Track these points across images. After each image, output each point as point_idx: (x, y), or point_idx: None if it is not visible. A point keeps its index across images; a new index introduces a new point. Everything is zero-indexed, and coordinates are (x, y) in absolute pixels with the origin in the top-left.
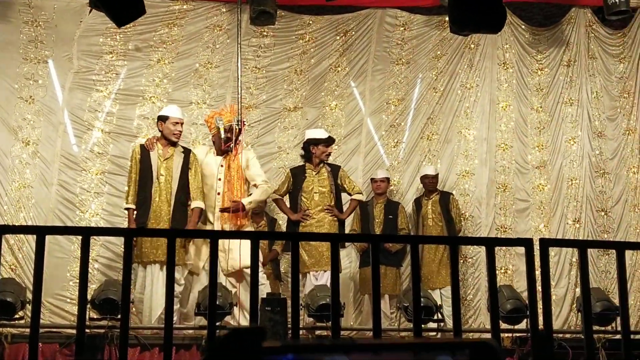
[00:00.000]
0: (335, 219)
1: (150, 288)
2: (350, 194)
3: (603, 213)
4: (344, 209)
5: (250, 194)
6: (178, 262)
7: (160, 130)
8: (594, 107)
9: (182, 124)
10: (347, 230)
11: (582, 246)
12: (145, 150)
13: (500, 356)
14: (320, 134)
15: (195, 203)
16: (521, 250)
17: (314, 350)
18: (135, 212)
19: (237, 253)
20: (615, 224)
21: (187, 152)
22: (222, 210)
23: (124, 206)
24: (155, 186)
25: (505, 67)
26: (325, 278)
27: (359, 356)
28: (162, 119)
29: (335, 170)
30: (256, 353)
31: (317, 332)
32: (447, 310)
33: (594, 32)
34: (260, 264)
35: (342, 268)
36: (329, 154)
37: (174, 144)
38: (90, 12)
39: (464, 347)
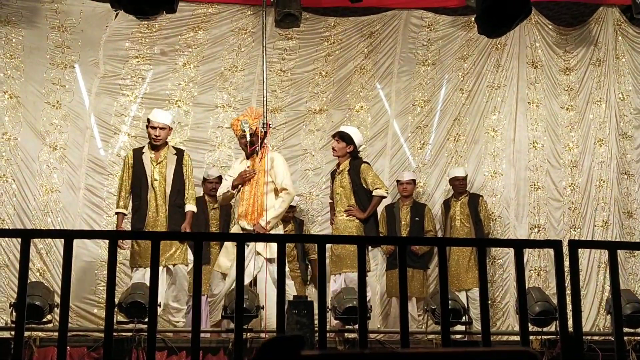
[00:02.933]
0: (353, 219)
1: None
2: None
3: (628, 215)
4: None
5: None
6: (183, 262)
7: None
8: (622, 107)
9: (161, 128)
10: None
11: (611, 247)
12: (138, 156)
13: None
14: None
15: (189, 206)
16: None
17: None
18: (125, 217)
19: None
20: None
21: (180, 153)
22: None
23: (114, 211)
24: (151, 192)
25: (534, 66)
26: (340, 281)
27: None
28: (147, 121)
29: (355, 167)
30: None
31: (345, 335)
32: (473, 312)
33: (623, 32)
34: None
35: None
36: (333, 149)
37: (161, 146)
38: (116, 17)
39: (505, 356)
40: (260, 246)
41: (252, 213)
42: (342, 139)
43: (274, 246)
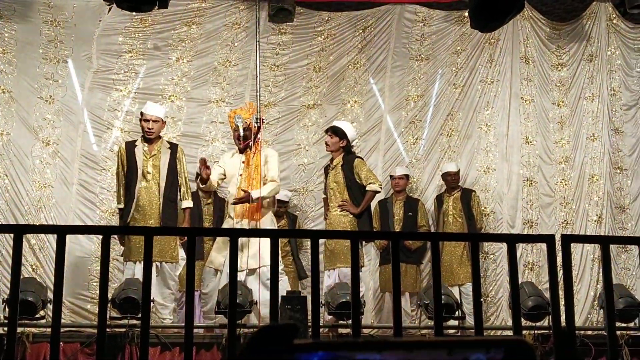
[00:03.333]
0: (346, 214)
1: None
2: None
3: (620, 210)
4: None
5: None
6: (173, 260)
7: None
8: (614, 102)
9: (155, 120)
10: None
11: (604, 242)
12: (130, 149)
13: (536, 355)
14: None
15: (186, 203)
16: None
17: (346, 348)
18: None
19: (255, 250)
20: (634, 221)
21: (174, 147)
22: (234, 202)
23: (116, 206)
24: (143, 184)
25: (526, 62)
26: (334, 276)
27: (391, 354)
28: (140, 114)
29: (349, 162)
30: (287, 350)
31: (338, 330)
32: (467, 307)
33: (615, 27)
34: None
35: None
36: (327, 144)
37: (155, 140)
38: (109, 11)
39: (499, 345)
40: (253, 262)
41: (248, 209)
42: (335, 133)
43: (266, 254)
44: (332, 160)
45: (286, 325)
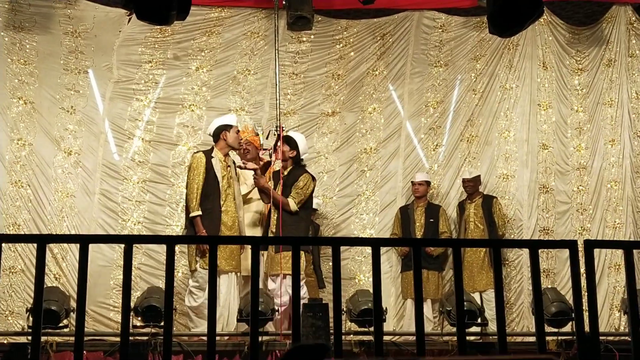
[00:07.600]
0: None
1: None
2: None
3: None
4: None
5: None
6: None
7: (223, 139)
8: (634, 107)
9: None
10: (387, 235)
11: (627, 247)
12: (210, 161)
13: None
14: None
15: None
16: (561, 252)
17: None
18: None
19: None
20: None
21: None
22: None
23: (192, 214)
24: (222, 197)
25: (544, 68)
26: (278, 282)
27: None
28: (226, 128)
29: (294, 175)
30: None
31: (360, 337)
32: (488, 313)
33: (635, 30)
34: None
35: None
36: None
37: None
38: (129, 21)
39: None
40: None
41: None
42: (287, 143)
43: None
44: (285, 168)
45: (316, 345)
